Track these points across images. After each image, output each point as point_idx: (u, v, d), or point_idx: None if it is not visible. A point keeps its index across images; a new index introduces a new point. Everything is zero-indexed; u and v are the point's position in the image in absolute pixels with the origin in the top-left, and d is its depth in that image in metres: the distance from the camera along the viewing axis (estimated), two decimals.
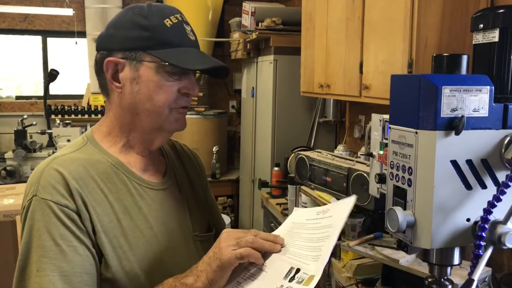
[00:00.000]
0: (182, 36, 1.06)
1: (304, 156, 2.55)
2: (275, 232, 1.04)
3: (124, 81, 1.06)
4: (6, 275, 1.37)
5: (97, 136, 1.12)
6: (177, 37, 1.05)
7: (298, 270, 0.97)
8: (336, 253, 2.16)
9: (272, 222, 3.30)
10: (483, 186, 0.92)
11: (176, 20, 1.06)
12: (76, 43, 5.07)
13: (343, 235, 2.15)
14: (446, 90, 0.90)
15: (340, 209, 1.05)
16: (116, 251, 1.02)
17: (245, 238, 0.95)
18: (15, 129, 4.38)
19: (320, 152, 2.58)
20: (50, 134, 4.40)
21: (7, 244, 2.27)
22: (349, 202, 1.06)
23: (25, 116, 4.52)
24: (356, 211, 2.16)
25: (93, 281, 0.99)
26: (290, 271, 0.97)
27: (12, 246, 2.22)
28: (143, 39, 1.04)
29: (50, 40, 5.46)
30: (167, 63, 1.03)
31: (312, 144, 3.60)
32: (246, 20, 3.86)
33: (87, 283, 0.97)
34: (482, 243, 0.88)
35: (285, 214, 2.94)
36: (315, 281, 0.98)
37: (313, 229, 1.04)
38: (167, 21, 1.05)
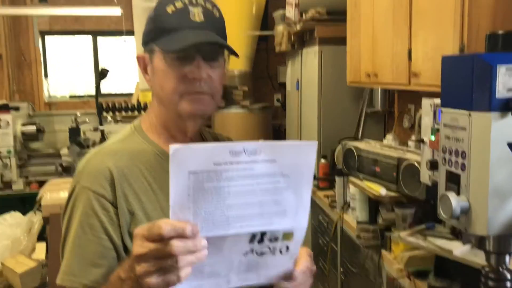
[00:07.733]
0: (181, 20, 1.04)
1: (352, 147, 2.51)
2: (171, 192, 0.77)
3: (149, 73, 1.11)
4: None
5: (144, 125, 1.15)
6: (176, 22, 1.05)
7: (263, 233, 0.84)
8: (386, 244, 2.12)
9: (319, 214, 3.27)
10: None
11: (182, 5, 1.05)
12: (125, 41, 5.21)
13: (393, 226, 2.10)
14: (502, 69, 0.86)
15: (285, 152, 0.81)
16: None
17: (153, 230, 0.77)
18: (69, 127, 4.57)
19: (368, 142, 2.53)
20: (102, 131, 4.54)
21: None
22: (304, 144, 0.82)
23: (78, 114, 4.69)
24: (406, 202, 2.11)
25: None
26: (253, 237, 0.84)
27: None
28: (150, 31, 1.09)
29: (100, 39, 5.64)
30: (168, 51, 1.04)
31: (360, 136, 3.53)
32: (290, 12, 3.83)
33: (105, 276, 0.97)
34: None
35: (334, 206, 2.90)
36: (298, 236, 0.87)
37: (244, 178, 0.78)
38: (170, 8, 1.05)
